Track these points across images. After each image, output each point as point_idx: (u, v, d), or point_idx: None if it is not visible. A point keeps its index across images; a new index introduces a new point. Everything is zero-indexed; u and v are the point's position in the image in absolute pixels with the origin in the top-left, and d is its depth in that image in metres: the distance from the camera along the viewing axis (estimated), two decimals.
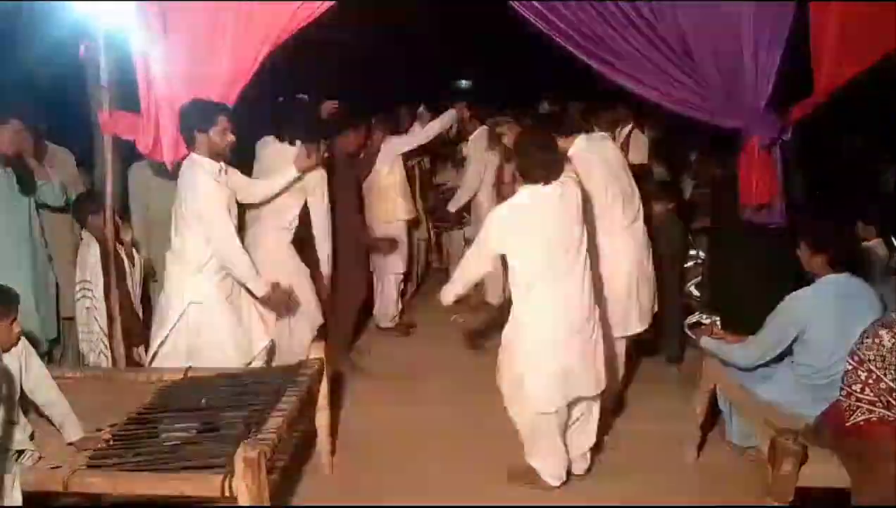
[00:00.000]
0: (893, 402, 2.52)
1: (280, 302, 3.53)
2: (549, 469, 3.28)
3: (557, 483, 3.29)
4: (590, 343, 3.15)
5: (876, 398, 2.54)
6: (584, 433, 3.36)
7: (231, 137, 3.32)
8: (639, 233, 3.79)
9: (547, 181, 3.04)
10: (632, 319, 3.79)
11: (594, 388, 3.22)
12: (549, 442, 3.22)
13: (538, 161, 3.04)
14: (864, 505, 2.54)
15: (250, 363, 3.51)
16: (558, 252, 3.05)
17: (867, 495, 2.53)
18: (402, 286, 5.52)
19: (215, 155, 3.32)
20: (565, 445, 3.28)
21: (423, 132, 5.33)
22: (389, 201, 5.18)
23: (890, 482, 2.47)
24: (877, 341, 2.56)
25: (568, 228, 3.07)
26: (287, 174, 3.73)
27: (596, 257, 3.46)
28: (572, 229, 3.07)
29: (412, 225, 5.62)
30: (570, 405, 3.21)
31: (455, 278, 3.41)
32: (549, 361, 3.08)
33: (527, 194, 3.07)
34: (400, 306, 5.51)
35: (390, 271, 5.28)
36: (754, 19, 3.29)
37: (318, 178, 4.00)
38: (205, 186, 3.25)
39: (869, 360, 2.56)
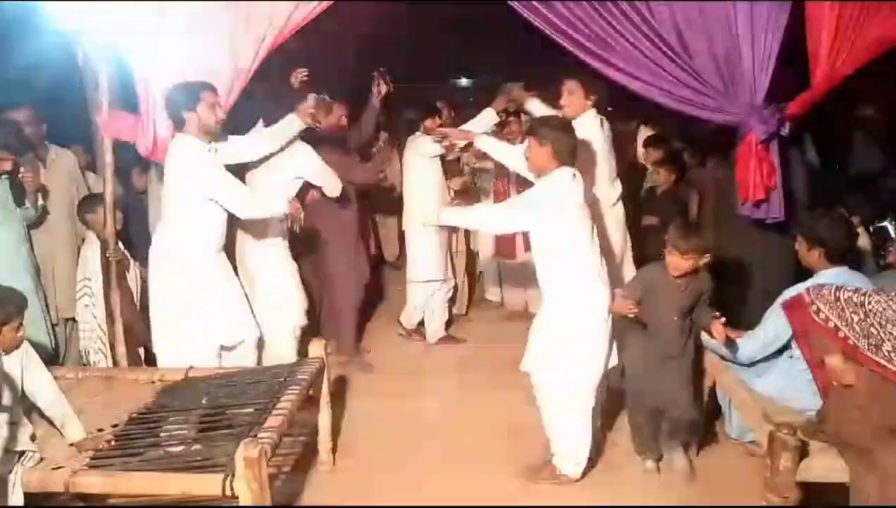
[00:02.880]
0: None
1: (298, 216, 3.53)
2: (576, 456, 3.28)
3: (580, 474, 3.30)
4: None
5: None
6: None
7: (220, 113, 3.32)
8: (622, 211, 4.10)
9: (573, 165, 3.12)
10: None
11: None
12: (586, 422, 3.24)
13: (571, 144, 3.10)
14: (863, 500, 2.55)
15: (233, 349, 3.55)
16: (591, 229, 3.15)
17: (867, 489, 2.54)
18: (449, 296, 5.19)
19: (206, 133, 3.32)
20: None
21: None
22: (422, 204, 4.89)
23: (890, 476, 2.48)
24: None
25: (588, 209, 3.18)
26: (291, 126, 3.75)
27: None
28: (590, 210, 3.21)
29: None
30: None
31: (469, 211, 3.43)
32: (603, 333, 3.16)
33: (567, 173, 3.10)
34: (446, 315, 5.23)
35: (420, 279, 5.02)
36: (751, 14, 3.29)
37: (307, 156, 3.99)
38: (195, 155, 3.28)
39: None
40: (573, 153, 3.11)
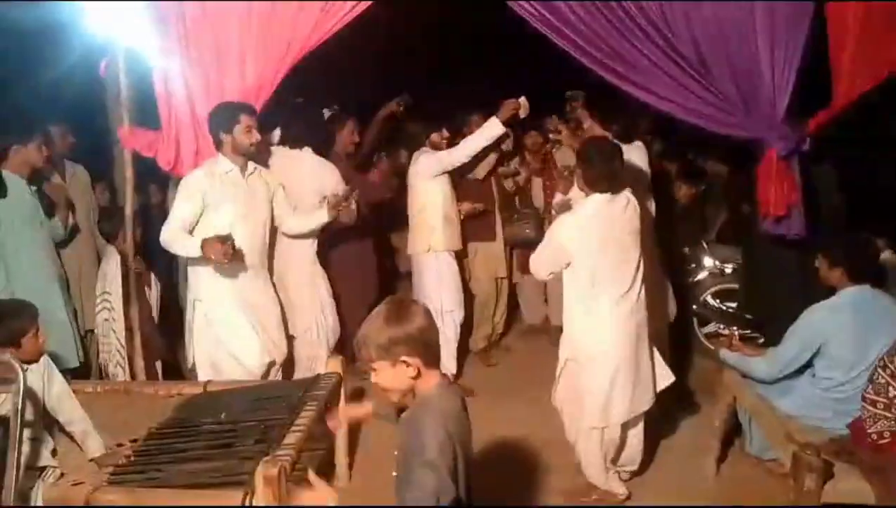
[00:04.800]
0: None
1: (211, 249, 3.15)
2: (614, 483, 3.25)
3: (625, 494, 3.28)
4: (646, 357, 3.17)
5: None
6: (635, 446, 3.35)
7: (257, 136, 3.35)
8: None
9: (613, 191, 3.06)
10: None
11: (651, 401, 3.22)
12: (606, 455, 3.19)
13: (605, 171, 3.04)
14: None
15: (268, 372, 3.53)
16: (623, 264, 3.06)
17: None
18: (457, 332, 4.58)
19: (241, 155, 3.36)
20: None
21: (462, 147, 4.39)
22: (425, 228, 4.43)
23: None
24: None
25: (631, 240, 3.09)
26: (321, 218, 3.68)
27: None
28: (634, 240, 3.11)
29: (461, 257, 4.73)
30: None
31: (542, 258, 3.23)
32: (628, 371, 3.08)
33: (594, 203, 3.07)
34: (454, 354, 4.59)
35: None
36: (771, 29, 3.27)
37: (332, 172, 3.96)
38: (188, 176, 3.34)
39: None
40: (604, 180, 3.04)
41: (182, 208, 3.32)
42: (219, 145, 3.37)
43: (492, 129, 4.24)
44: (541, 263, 3.22)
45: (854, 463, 2.68)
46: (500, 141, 4.48)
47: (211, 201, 3.34)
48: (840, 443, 2.84)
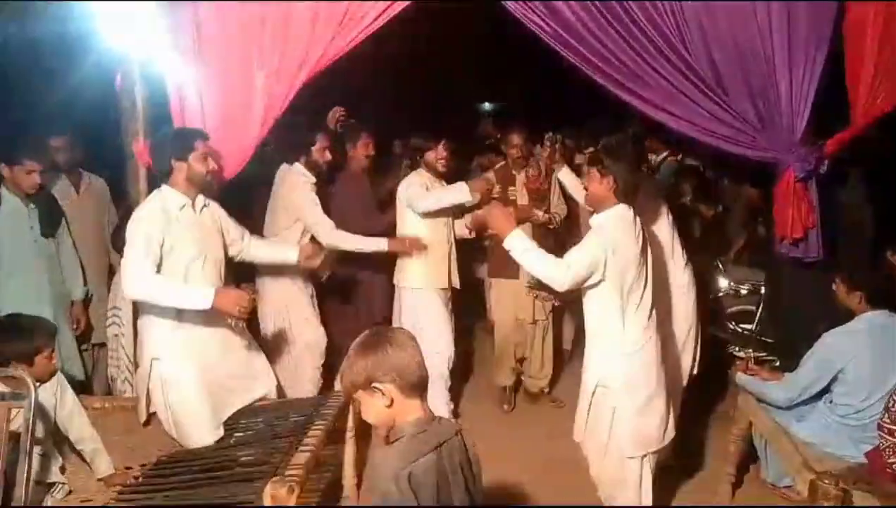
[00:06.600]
0: None
1: (234, 304, 2.84)
2: None
3: None
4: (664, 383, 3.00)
5: None
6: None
7: (212, 165, 3.04)
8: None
9: (631, 204, 2.90)
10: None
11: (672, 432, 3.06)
12: (647, 486, 2.98)
13: (636, 181, 2.89)
14: None
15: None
16: (648, 281, 2.90)
17: None
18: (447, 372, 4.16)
19: (194, 185, 3.02)
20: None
21: (430, 198, 3.98)
22: (409, 260, 4.07)
23: None
24: None
25: (646, 254, 2.92)
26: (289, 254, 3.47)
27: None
28: (648, 255, 2.94)
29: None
30: None
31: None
32: (659, 396, 2.91)
33: (624, 214, 2.86)
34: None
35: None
36: (789, 51, 3.24)
37: (303, 199, 3.80)
38: (141, 212, 2.95)
39: None
40: (636, 191, 2.89)
41: (148, 249, 2.82)
42: (167, 175, 2.99)
43: (458, 193, 3.95)
44: (558, 277, 2.82)
45: (873, 493, 2.63)
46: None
47: (167, 242, 2.90)
48: (858, 472, 2.79)
